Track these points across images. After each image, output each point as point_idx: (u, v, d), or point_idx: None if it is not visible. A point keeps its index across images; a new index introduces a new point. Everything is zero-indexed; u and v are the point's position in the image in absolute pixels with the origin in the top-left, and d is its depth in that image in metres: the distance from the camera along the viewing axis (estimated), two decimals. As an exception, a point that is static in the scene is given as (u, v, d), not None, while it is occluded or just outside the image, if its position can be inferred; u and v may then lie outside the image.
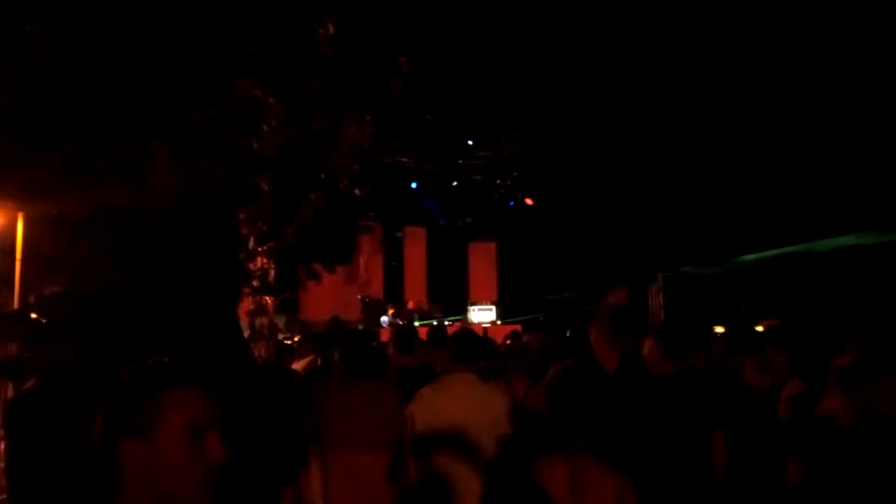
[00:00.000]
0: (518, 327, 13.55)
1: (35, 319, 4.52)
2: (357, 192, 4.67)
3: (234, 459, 1.71)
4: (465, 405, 3.33)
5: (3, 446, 4.44)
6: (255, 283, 4.57)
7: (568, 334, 8.54)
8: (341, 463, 2.02)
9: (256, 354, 5.18)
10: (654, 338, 3.42)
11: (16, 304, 6.25)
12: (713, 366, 5.53)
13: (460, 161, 14.09)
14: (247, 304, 6.06)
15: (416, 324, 14.75)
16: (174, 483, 1.40)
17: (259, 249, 4.55)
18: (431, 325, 12.85)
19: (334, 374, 2.17)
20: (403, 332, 4.86)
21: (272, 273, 4.71)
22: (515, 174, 15.71)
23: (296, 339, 7.61)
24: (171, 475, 1.39)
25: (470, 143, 13.30)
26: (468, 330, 3.75)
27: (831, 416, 2.31)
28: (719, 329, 11.36)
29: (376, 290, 16.17)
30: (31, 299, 4.66)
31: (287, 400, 4.20)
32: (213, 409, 1.47)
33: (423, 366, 4.37)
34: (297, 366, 5.51)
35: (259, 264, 4.69)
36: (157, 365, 1.54)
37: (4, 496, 4.21)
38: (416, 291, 17.04)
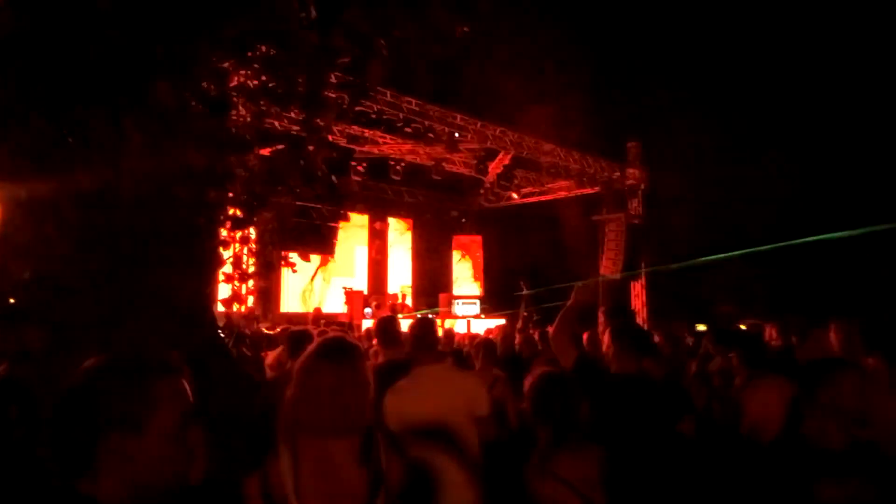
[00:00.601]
0: (502, 320, 13.53)
1: (9, 305, 4.41)
2: (334, 179, 4.59)
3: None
4: (440, 395, 3.31)
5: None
6: (229, 271, 4.48)
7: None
8: (311, 449, 1.98)
9: (231, 343, 5.09)
10: (613, 336, 3.37)
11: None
12: (695, 360, 5.53)
13: (446, 153, 14.02)
14: (223, 292, 5.96)
15: (400, 316, 14.68)
16: (159, 473, 1.36)
17: (234, 236, 4.46)
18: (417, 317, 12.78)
19: (299, 361, 2.13)
20: (386, 324, 4.76)
21: (247, 260, 4.62)
22: (501, 168, 15.66)
23: (278, 329, 7.52)
24: (158, 466, 1.36)
25: (456, 135, 13.23)
26: (426, 319, 3.74)
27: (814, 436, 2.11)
28: (701, 327, 11.43)
29: (360, 281, 16.09)
30: (8, 284, 4.55)
31: (251, 389, 4.13)
32: (192, 397, 1.45)
33: (407, 359, 4.30)
34: (271, 356, 5.42)
35: (233, 251, 4.60)
36: (136, 356, 1.47)
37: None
38: (399, 283, 16.98)
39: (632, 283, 15.73)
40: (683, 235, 15.18)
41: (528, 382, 2.85)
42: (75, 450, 1.34)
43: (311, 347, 2.21)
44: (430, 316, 14.33)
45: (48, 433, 1.39)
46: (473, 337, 6.49)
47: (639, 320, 13.69)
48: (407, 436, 3.13)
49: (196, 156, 3.71)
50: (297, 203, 5.01)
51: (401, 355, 4.42)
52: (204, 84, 3.83)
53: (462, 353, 5.91)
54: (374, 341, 4.99)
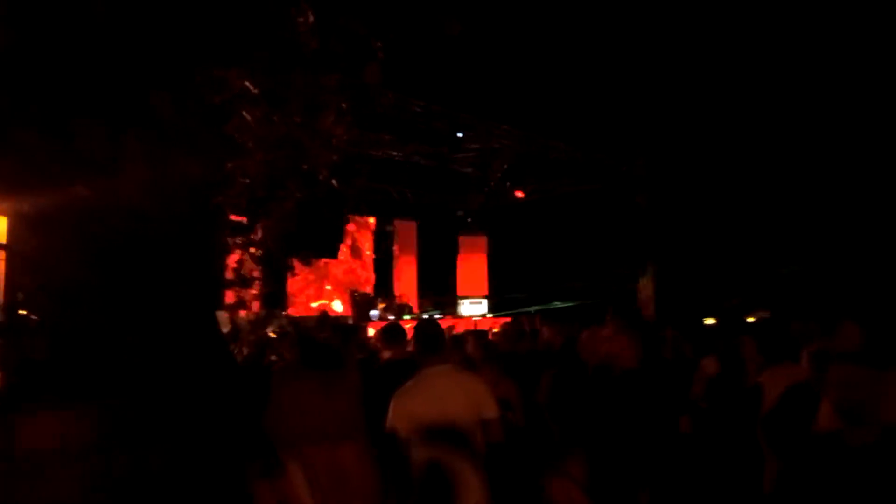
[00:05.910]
0: (509, 320, 13.47)
1: (18, 316, 4.43)
2: (334, 183, 4.58)
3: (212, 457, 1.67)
4: (448, 397, 3.30)
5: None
6: (231, 277, 4.48)
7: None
8: (319, 457, 1.99)
9: (237, 351, 5.08)
10: (616, 333, 3.36)
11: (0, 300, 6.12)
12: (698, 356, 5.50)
13: (450, 154, 14.00)
14: (228, 299, 5.95)
15: (407, 317, 14.67)
16: None
17: (236, 242, 4.45)
18: (420, 319, 12.78)
19: (284, 370, 2.16)
20: (390, 326, 4.84)
21: (249, 266, 4.62)
22: (506, 167, 15.62)
23: (269, 331, 7.47)
24: None
25: (459, 135, 13.20)
26: (431, 320, 3.75)
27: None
28: (710, 320, 11.35)
29: (366, 284, 16.09)
30: (20, 296, 4.59)
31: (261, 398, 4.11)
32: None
33: (408, 359, 4.32)
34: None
35: (236, 257, 4.60)
36: None
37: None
38: (406, 285, 16.97)
39: (640, 278, 15.64)
40: (691, 229, 15.10)
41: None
42: None
43: (293, 356, 2.25)
44: (435, 316, 14.29)
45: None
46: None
47: (646, 315, 13.62)
48: (418, 437, 3.13)
49: (195, 165, 3.70)
50: (300, 207, 5.00)
51: (401, 355, 4.44)
52: (202, 93, 3.82)
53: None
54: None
